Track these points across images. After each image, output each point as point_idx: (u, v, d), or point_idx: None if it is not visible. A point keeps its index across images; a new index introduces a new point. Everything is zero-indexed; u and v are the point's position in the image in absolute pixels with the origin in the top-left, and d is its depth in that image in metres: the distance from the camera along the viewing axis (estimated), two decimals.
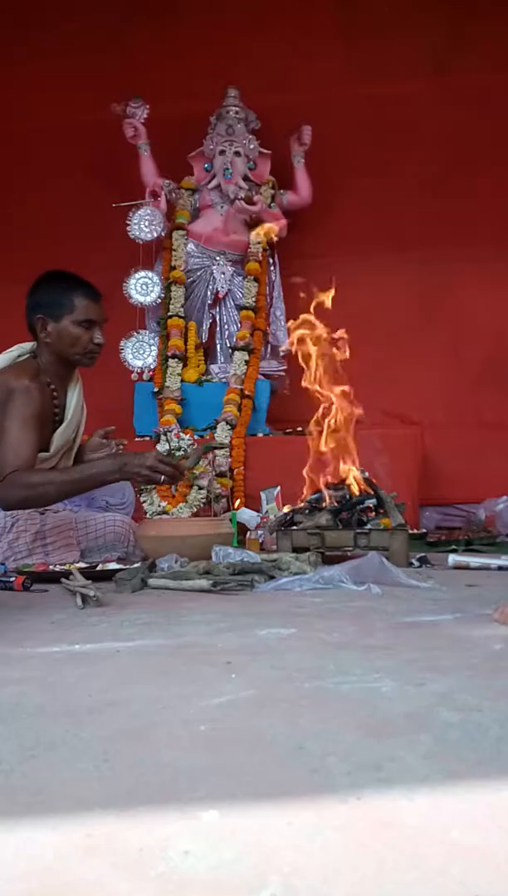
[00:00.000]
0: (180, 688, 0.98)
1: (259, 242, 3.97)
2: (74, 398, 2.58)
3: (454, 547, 2.93)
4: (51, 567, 2.17)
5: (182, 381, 3.82)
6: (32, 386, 2.40)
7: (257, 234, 3.79)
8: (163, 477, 2.33)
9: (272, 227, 3.76)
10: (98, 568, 2.17)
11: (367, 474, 2.62)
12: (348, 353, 2.74)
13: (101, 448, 2.68)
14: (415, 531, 3.16)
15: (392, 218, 4.13)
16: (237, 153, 4.00)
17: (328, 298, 2.81)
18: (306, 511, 2.57)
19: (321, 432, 2.66)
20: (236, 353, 3.87)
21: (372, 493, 2.55)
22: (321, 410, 2.72)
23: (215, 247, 4.01)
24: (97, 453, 2.66)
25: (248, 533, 2.91)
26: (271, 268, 4.11)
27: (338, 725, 0.81)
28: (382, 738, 0.77)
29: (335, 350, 2.73)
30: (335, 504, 2.53)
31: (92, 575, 1.99)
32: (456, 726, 0.80)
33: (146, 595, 1.88)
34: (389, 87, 4.13)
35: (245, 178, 4.02)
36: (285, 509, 2.68)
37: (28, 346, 2.55)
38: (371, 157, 4.18)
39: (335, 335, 2.73)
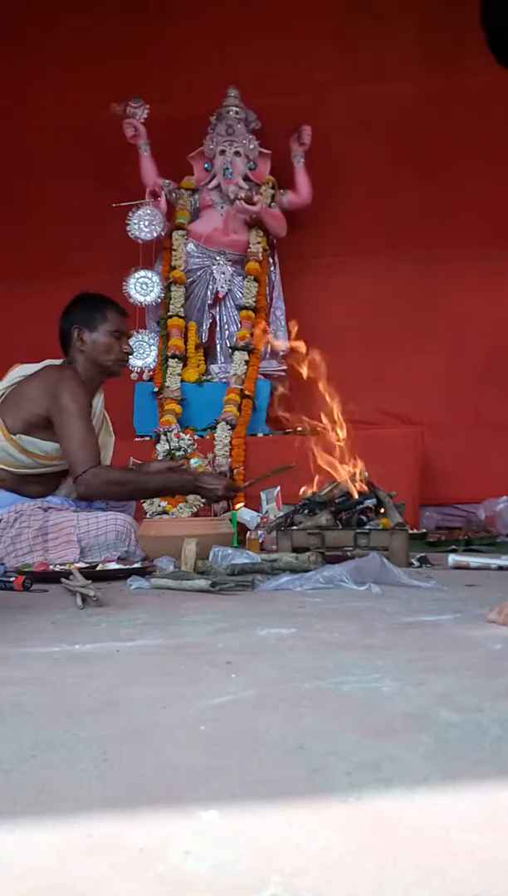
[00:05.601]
0: (180, 688, 0.98)
1: (259, 242, 3.98)
2: (98, 407, 2.76)
3: (454, 547, 2.93)
4: (51, 567, 2.18)
5: (182, 381, 3.82)
6: (77, 378, 2.59)
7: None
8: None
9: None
10: (98, 568, 2.17)
11: (367, 475, 2.62)
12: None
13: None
14: (415, 531, 3.16)
15: (392, 218, 4.13)
16: (237, 153, 4.00)
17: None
18: (306, 511, 2.56)
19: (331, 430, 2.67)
20: (236, 353, 3.87)
21: (371, 493, 2.55)
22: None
23: (215, 247, 4.01)
24: None
25: (248, 533, 2.91)
26: (271, 268, 4.11)
27: (338, 725, 0.81)
28: (382, 738, 0.77)
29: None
30: (336, 503, 2.53)
31: (92, 575, 1.99)
32: (456, 726, 0.80)
33: (146, 595, 1.88)
34: (389, 87, 4.13)
35: (245, 178, 4.02)
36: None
37: (57, 362, 2.70)
38: (371, 157, 4.18)
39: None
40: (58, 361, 2.69)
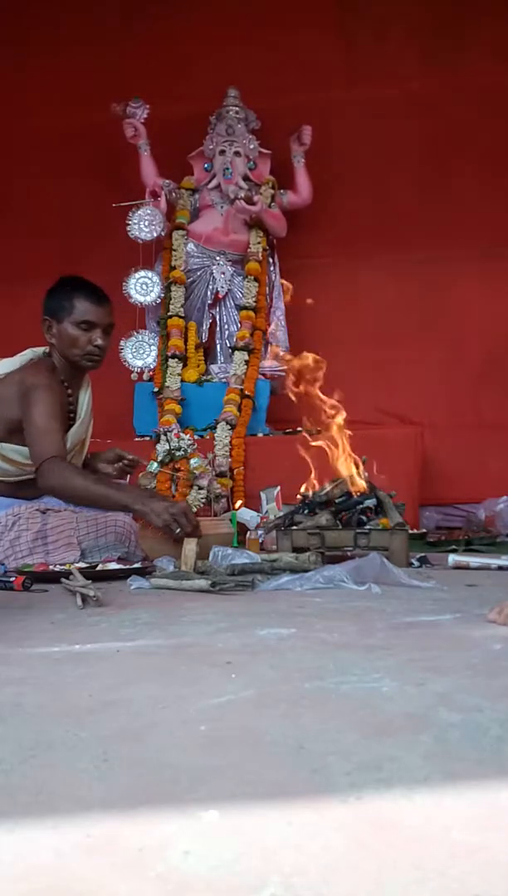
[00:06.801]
0: (180, 688, 0.98)
1: (259, 242, 3.98)
2: (85, 400, 2.67)
3: (454, 547, 2.93)
4: (51, 567, 2.17)
5: (182, 381, 3.82)
6: (52, 381, 2.49)
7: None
8: (179, 529, 2.31)
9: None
10: (98, 568, 2.17)
11: (366, 475, 2.62)
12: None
13: (118, 460, 2.75)
14: (415, 531, 3.16)
15: (392, 218, 4.13)
16: (237, 153, 4.00)
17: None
18: (306, 511, 2.56)
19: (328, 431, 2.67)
20: (236, 353, 3.87)
21: (371, 493, 2.55)
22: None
23: (215, 247, 4.01)
24: (112, 465, 2.73)
25: (248, 533, 2.91)
26: (271, 268, 4.11)
27: (338, 725, 0.81)
28: (382, 738, 0.77)
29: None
30: (336, 503, 2.53)
31: (92, 575, 1.99)
32: (456, 726, 0.80)
33: (146, 595, 1.88)
34: (389, 87, 4.13)
35: (245, 178, 4.02)
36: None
37: (40, 350, 2.63)
38: (371, 157, 4.18)
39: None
40: (40, 350, 2.62)
